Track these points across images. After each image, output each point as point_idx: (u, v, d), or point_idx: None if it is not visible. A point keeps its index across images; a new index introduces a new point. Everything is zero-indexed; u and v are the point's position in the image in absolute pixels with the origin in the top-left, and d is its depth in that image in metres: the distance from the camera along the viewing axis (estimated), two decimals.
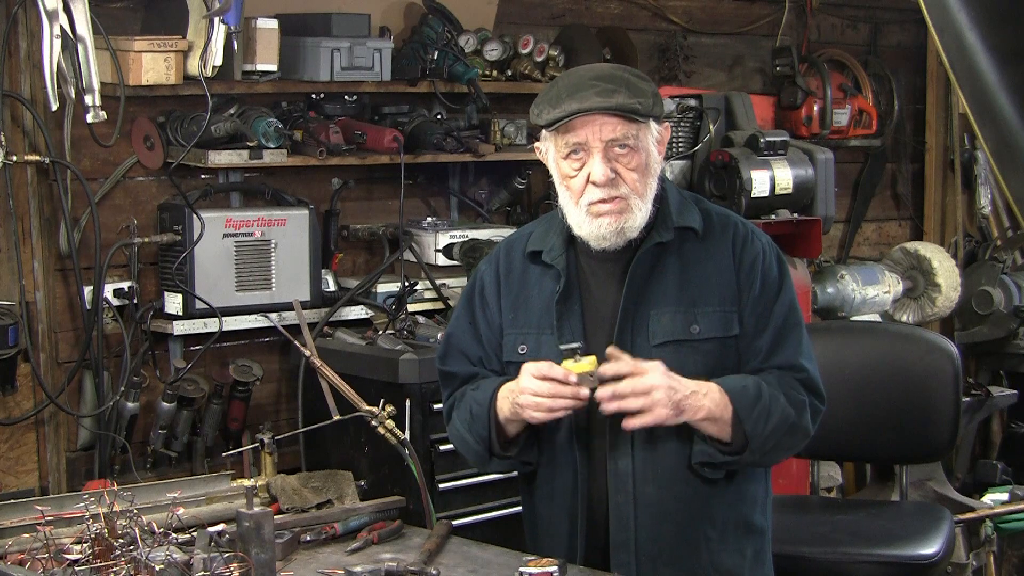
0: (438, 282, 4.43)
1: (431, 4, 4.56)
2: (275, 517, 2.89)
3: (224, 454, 3.79)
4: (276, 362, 4.32)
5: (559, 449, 2.79)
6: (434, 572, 2.78)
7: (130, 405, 3.90)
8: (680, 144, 4.91)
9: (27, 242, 3.81)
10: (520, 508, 2.99)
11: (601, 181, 2.66)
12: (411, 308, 4.31)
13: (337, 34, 4.22)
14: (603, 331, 2.74)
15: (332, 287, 4.32)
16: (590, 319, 2.76)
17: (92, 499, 2.65)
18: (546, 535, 2.86)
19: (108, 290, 3.91)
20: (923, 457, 4.17)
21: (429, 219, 4.64)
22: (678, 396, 2.60)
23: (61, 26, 3.49)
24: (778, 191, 4.82)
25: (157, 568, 2.50)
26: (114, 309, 3.93)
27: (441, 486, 3.87)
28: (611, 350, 2.63)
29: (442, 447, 3.82)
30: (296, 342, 3.70)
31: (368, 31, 4.36)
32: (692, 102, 4.93)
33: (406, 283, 4.28)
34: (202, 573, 2.55)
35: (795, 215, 4.88)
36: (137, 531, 2.58)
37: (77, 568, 2.53)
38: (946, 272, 5.78)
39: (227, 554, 2.64)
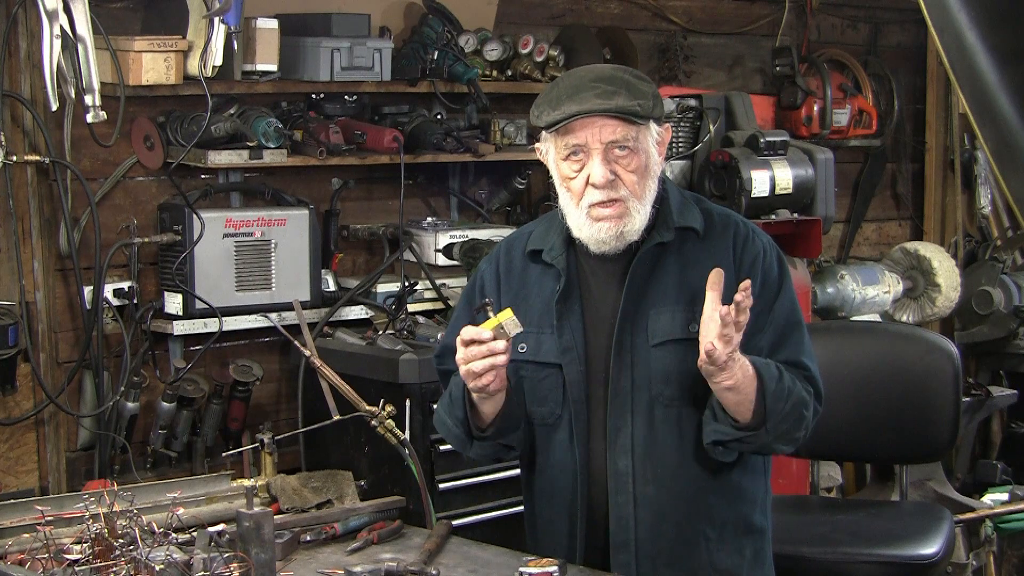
0: (438, 282, 4.43)
1: (431, 4, 4.56)
2: (275, 517, 2.89)
3: (224, 454, 3.79)
4: (276, 362, 4.32)
5: (559, 449, 2.78)
6: (434, 572, 2.78)
7: (130, 405, 3.90)
8: (680, 144, 4.91)
9: (27, 242, 3.81)
10: (520, 508, 2.99)
11: (600, 183, 2.66)
12: (411, 308, 4.31)
13: (337, 34, 4.22)
14: (603, 331, 2.74)
15: (332, 287, 4.32)
16: (590, 319, 2.76)
17: (92, 499, 2.65)
18: (546, 535, 2.86)
19: (108, 290, 3.91)
20: (923, 457, 4.17)
21: (429, 219, 4.64)
22: (735, 355, 2.56)
23: (61, 26, 3.49)
24: (778, 191, 4.82)
25: (157, 568, 2.50)
26: (114, 309, 3.93)
27: (441, 486, 3.88)
28: (714, 274, 2.58)
29: (442, 447, 3.83)
30: (296, 342, 3.70)
31: (368, 31, 4.36)
32: (692, 102, 4.93)
33: (406, 283, 4.28)
34: (202, 573, 2.55)
35: (795, 215, 4.88)
36: (137, 531, 2.57)
37: (77, 568, 2.52)
38: (946, 272, 5.78)
39: (227, 554, 2.64)
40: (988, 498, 5.23)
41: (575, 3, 5.20)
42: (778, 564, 2.92)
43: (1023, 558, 5.25)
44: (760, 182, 4.77)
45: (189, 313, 3.96)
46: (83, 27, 3.52)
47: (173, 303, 3.98)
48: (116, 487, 2.77)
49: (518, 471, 2.97)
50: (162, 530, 2.64)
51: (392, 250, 4.44)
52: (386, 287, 4.35)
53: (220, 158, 3.98)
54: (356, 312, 4.31)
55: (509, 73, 4.71)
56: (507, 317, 2.58)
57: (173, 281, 3.94)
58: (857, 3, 6.18)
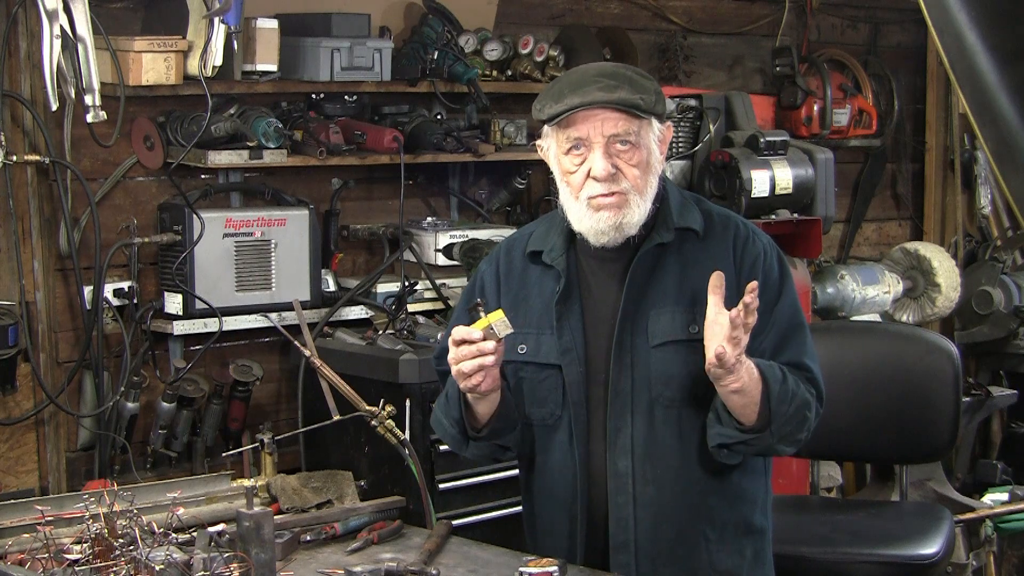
0: (438, 282, 4.43)
1: (431, 4, 4.56)
2: (275, 517, 2.89)
3: (224, 454, 3.79)
4: (276, 362, 4.32)
5: (558, 450, 2.78)
6: (434, 572, 2.78)
7: (130, 405, 3.90)
8: (680, 144, 4.91)
9: (27, 242, 3.81)
10: (520, 508, 2.98)
11: (602, 176, 2.66)
12: (411, 308, 4.31)
13: (337, 34, 4.22)
14: (603, 332, 2.74)
15: (332, 287, 4.32)
16: (590, 319, 2.76)
17: (92, 499, 2.65)
18: (546, 535, 2.86)
19: (108, 290, 3.91)
20: (923, 457, 4.17)
21: (429, 219, 4.64)
22: (742, 358, 2.57)
23: (61, 26, 3.49)
24: (778, 191, 4.82)
25: (157, 568, 2.49)
26: (114, 309, 3.93)
27: (441, 486, 3.88)
28: (715, 277, 2.59)
29: (442, 447, 3.82)
30: (296, 342, 3.70)
31: (368, 31, 4.36)
32: (692, 102, 4.93)
33: (406, 283, 4.28)
34: (202, 573, 2.55)
35: (795, 215, 4.88)
36: (137, 531, 2.57)
37: (77, 568, 2.52)
38: (946, 272, 5.78)
39: (227, 554, 2.64)
40: (988, 498, 5.22)
41: (575, 3, 5.20)
42: (778, 564, 2.92)
43: (1023, 558, 5.25)
44: (760, 182, 4.77)
45: (189, 313, 3.96)
46: (83, 27, 3.52)
47: (173, 303, 3.98)
48: (116, 487, 2.77)
49: (518, 471, 2.97)
50: (162, 530, 2.64)
51: (392, 250, 4.44)
52: (386, 287, 4.35)
53: (220, 158, 3.98)
54: (356, 312, 4.31)
55: (509, 73, 4.71)
56: (498, 318, 2.58)
57: (173, 281, 3.94)
58: (857, 3, 6.18)
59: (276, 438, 3.58)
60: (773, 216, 4.82)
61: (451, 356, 2.61)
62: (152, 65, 3.81)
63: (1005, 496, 5.23)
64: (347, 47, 4.22)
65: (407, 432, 3.67)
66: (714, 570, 2.76)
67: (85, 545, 2.60)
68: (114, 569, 2.51)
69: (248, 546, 2.63)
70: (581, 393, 2.75)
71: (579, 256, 2.79)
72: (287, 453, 3.98)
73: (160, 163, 4.02)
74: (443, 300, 4.42)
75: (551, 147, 2.75)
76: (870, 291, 5.55)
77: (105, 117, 3.60)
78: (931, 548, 3.58)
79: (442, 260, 4.45)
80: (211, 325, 3.97)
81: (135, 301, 3.95)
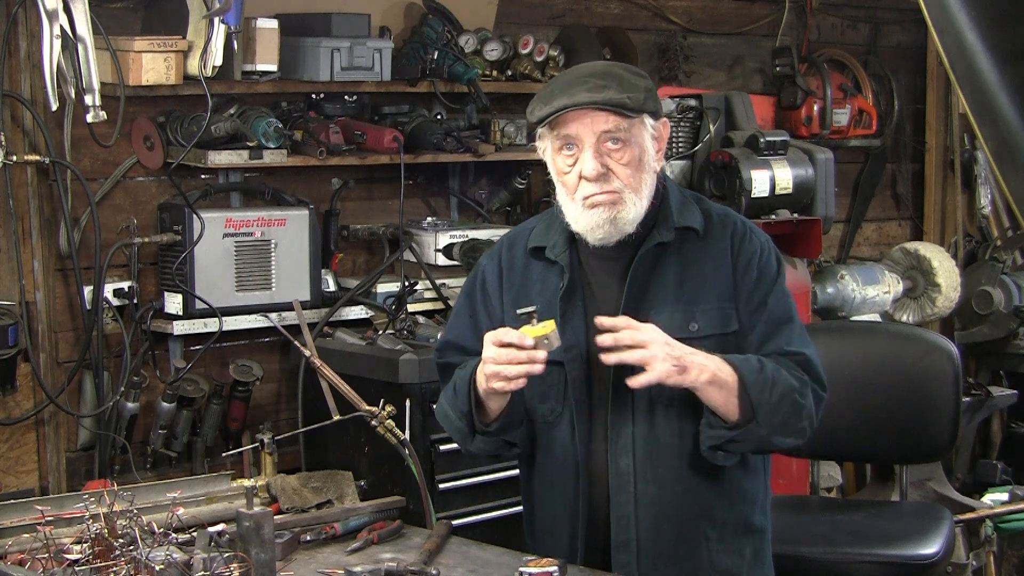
0: (438, 282, 4.43)
1: (431, 4, 4.56)
2: (275, 517, 2.89)
3: (224, 454, 3.79)
4: (276, 362, 4.32)
5: (560, 447, 2.79)
6: (434, 572, 2.78)
7: (130, 405, 3.90)
8: (680, 144, 4.91)
9: (27, 242, 3.81)
10: (520, 508, 2.98)
11: (592, 175, 2.67)
12: (411, 308, 4.31)
13: (337, 34, 4.22)
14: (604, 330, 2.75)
15: (332, 287, 4.32)
16: (592, 318, 2.76)
17: (92, 499, 2.65)
18: (546, 534, 2.86)
19: (108, 290, 3.91)
20: (923, 457, 4.17)
21: (429, 219, 4.64)
22: (677, 352, 2.58)
23: (61, 26, 3.49)
24: (778, 191, 4.82)
25: (157, 568, 2.50)
26: (114, 309, 3.93)
27: (441, 486, 3.87)
28: (599, 321, 2.61)
29: (442, 447, 3.82)
30: (296, 342, 3.70)
31: (368, 31, 4.36)
32: (692, 102, 4.93)
33: (406, 283, 4.28)
34: (202, 573, 2.55)
35: (795, 215, 4.88)
36: (137, 531, 2.57)
37: (77, 568, 2.52)
38: (946, 272, 5.78)
39: (227, 554, 2.64)
40: (988, 498, 5.22)
41: (575, 3, 5.20)
42: (778, 564, 2.92)
43: (1023, 558, 5.25)
44: (760, 182, 4.77)
45: (189, 313, 3.96)
46: (83, 27, 3.52)
47: (173, 303, 3.98)
48: (116, 487, 2.77)
49: (518, 471, 2.97)
50: (162, 530, 2.64)
51: (392, 250, 4.44)
52: (386, 287, 4.35)
53: (220, 158, 3.98)
54: (356, 312, 4.31)
55: (509, 73, 4.71)
56: (551, 329, 2.59)
57: (173, 281, 3.94)
58: (857, 3, 6.18)
59: (276, 438, 3.58)
60: (773, 216, 4.82)
61: (490, 355, 2.61)
62: (152, 65, 3.81)
63: (1005, 496, 5.23)
64: (347, 47, 4.22)
65: (407, 432, 3.67)
66: (714, 569, 2.76)
67: (85, 545, 2.60)
68: (114, 569, 2.51)
69: (248, 546, 2.63)
70: (583, 390, 2.75)
71: (581, 254, 2.80)
72: (287, 453, 3.98)
73: (160, 163, 4.02)
74: (443, 300, 4.42)
75: (546, 148, 2.76)
76: (870, 291, 5.55)
77: (105, 117, 3.60)
78: (931, 548, 3.58)
79: (442, 260, 4.45)
80: (211, 325, 3.97)
81: (135, 301, 3.95)
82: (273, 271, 4.12)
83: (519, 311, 2.65)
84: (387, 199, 4.59)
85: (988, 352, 6.19)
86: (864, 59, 6.07)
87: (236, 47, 3.82)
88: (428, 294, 4.44)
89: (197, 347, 4.03)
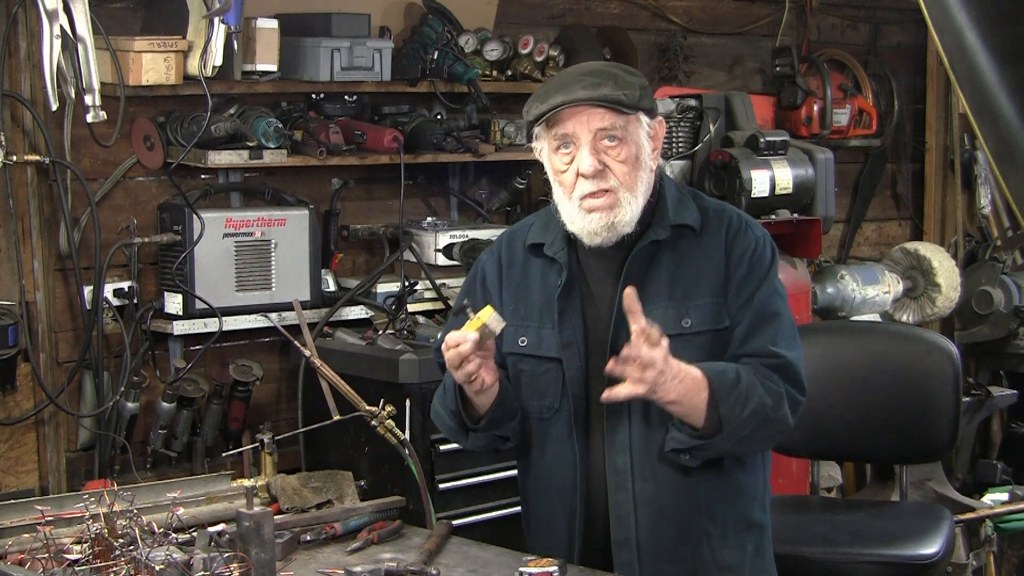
0: (438, 282, 4.43)
1: (431, 4, 4.56)
2: (275, 517, 2.89)
3: (224, 454, 3.79)
4: (276, 362, 4.32)
5: (557, 445, 2.79)
6: (434, 572, 2.78)
7: (130, 405, 3.90)
8: (680, 144, 4.91)
9: (27, 242, 3.81)
10: (520, 508, 2.99)
11: (589, 172, 2.67)
12: (411, 308, 4.31)
13: (337, 34, 4.22)
14: (601, 327, 2.76)
15: (332, 287, 4.32)
16: (589, 314, 2.77)
17: (92, 499, 2.65)
18: (543, 531, 2.87)
19: (108, 290, 3.91)
20: (923, 457, 4.17)
21: (429, 219, 4.64)
22: (661, 380, 2.57)
23: (61, 26, 3.49)
24: (778, 191, 4.82)
25: (157, 568, 2.50)
26: (114, 309, 3.93)
27: (441, 486, 3.87)
28: (628, 295, 2.57)
29: (442, 447, 3.82)
30: (296, 342, 3.70)
31: (368, 31, 4.36)
32: (692, 102, 4.93)
33: (406, 283, 4.28)
34: (202, 573, 2.55)
35: (795, 215, 4.88)
36: (137, 531, 2.58)
37: (77, 568, 2.52)
38: (946, 272, 5.78)
39: (227, 554, 2.64)
40: (988, 498, 5.22)
41: (575, 3, 5.20)
42: (778, 564, 2.92)
43: (1023, 558, 5.25)
44: (760, 182, 4.77)
45: (189, 313, 3.96)
46: (83, 27, 3.52)
47: (173, 303, 3.97)
48: (116, 487, 2.77)
49: (516, 470, 2.97)
50: (162, 530, 2.64)
51: (392, 250, 4.44)
52: (386, 287, 4.35)
53: (220, 158, 3.98)
54: (356, 312, 4.31)
55: (509, 73, 4.71)
56: (489, 315, 2.60)
57: (173, 281, 3.94)
58: (857, 3, 6.18)
59: (276, 438, 3.58)
60: (773, 216, 4.83)
61: (447, 358, 2.63)
62: (152, 65, 3.81)
63: (1005, 496, 5.23)
64: (347, 47, 4.22)
65: (407, 432, 3.67)
66: (717, 566, 2.77)
67: (85, 545, 2.60)
68: (114, 569, 2.51)
69: (248, 546, 2.63)
70: (580, 387, 2.76)
71: (579, 251, 2.81)
72: (287, 453, 3.98)
73: (160, 163, 4.02)
74: (443, 300, 4.42)
75: (543, 148, 2.77)
76: (870, 291, 5.55)
77: (105, 117, 3.60)
78: (931, 548, 3.58)
79: (442, 260, 4.45)
80: (211, 325, 3.97)
81: (135, 301, 3.95)
82: (273, 271, 4.12)
83: (453, 314, 2.67)
84: (387, 199, 4.59)
85: (988, 352, 6.19)
86: (864, 59, 6.07)
87: (236, 47, 3.82)
88: (428, 294, 4.44)
89: (197, 347, 4.02)
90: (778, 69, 5.67)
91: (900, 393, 3.93)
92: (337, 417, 3.54)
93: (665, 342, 2.57)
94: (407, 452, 3.43)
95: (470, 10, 4.69)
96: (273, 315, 4.07)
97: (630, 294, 2.57)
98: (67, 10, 3.50)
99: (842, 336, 4.19)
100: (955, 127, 6.31)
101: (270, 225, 4.12)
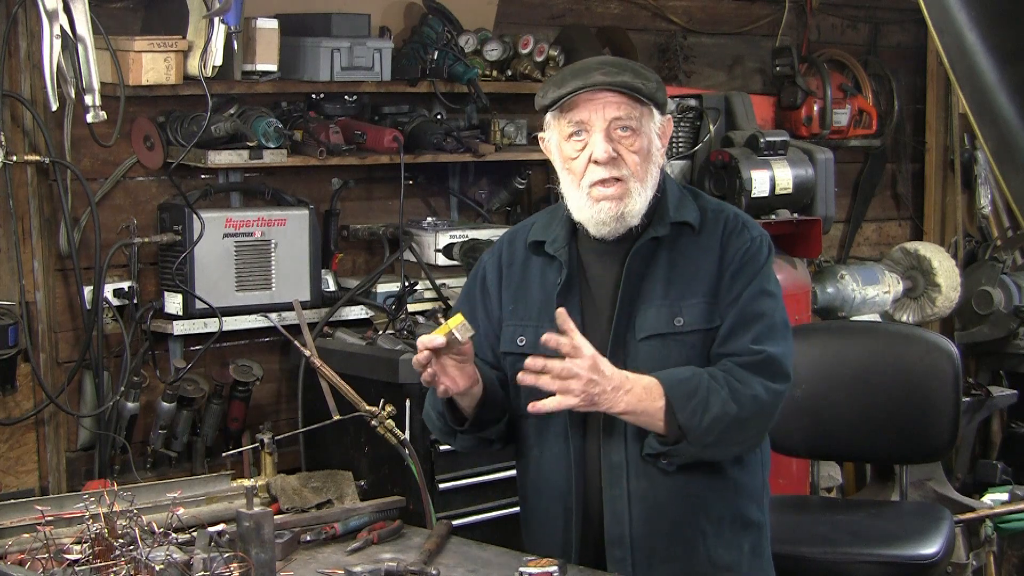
0: (438, 282, 4.43)
1: (431, 4, 4.56)
2: (275, 517, 2.89)
3: (224, 454, 3.79)
4: (276, 362, 4.33)
5: (554, 441, 2.79)
6: (434, 572, 2.78)
7: (130, 405, 3.90)
8: (680, 144, 4.91)
9: (27, 242, 3.81)
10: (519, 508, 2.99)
11: (603, 159, 2.67)
12: (411, 308, 4.31)
13: (337, 34, 4.22)
14: (600, 325, 2.76)
15: (332, 287, 4.32)
16: (588, 312, 2.77)
17: (92, 499, 2.65)
18: (541, 528, 2.87)
19: (108, 290, 3.91)
20: (923, 457, 4.17)
21: (429, 219, 4.64)
22: (596, 390, 2.58)
23: (61, 26, 3.49)
24: (778, 191, 4.82)
25: (157, 568, 2.49)
26: (114, 309, 3.93)
27: (441, 486, 3.88)
28: (560, 315, 2.61)
29: (442, 447, 3.83)
30: (296, 342, 3.70)
31: (368, 31, 4.36)
32: (692, 102, 4.93)
33: (406, 283, 4.28)
34: (202, 573, 2.55)
35: (795, 215, 4.88)
36: (137, 531, 2.57)
37: (77, 568, 2.52)
38: (946, 272, 5.78)
39: (227, 554, 2.64)
40: (988, 498, 5.22)
41: (575, 3, 5.20)
42: (778, 564, 2.92)
43: (1023, 558, 5.25)
44: (760, 182, 4.77)
45: (189, 313, 3.96)
46: (83, 27, 3.52)
47: (173, 303, 3.98)
48: (116, 487, 2.77)
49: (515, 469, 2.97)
50: (162, 530, 2.64)
51: (392, 250, 4.44)
52: (386, 287, 4.35)
53: (220, 158, 3.98)
54: (356, 312, 4.31)
55: (509, 73, 4.71)
56: (458, 323, 2.62)
57: (173, 281, 3.94)
58: (857, 3, 6.18)
59: (276, 438, 3.58)
60: (773, 216, 4.83)
61: (413, 360, 2.66)
62: (152, 65, 3.81)
63: (1005, 496, 5.23)
64: (347, 47, 4.22)
65: (407, 432, 3.67)
66: (712, 564, 2.76)
67: (85, 545, 2.59)
68: (114, 569, 2.51)
69: (248, 546, 2.63)
70: None
71: (580, 248, 2.81)
72: (287, 453, 3.98)
73: (160, 163, 4.02)
74: (443, 300, 4.42)
75: (553, 136, 2.77)
76: (870, 291, 5.55)
77: (105, 117, 3.61)
78: (931, 548, 3.58)
79: (442, 260, 4.45)
80: (211, 325, 3.97)
81: (135, 301, 3.95)
82: (273, 271, 4.12)
83: (427, 320, 2.69)
84: (387, 199, 4.59)
85: (988, 352, 6.19)
86: (864, 59, 6.07)
87: (236, 47, 3.82)
88: (428, 294, 4.44)
89: (197, 347, 4.03)
90: (778, 69, 5.67)
91: (900, 393, 3.93)
92: (337, 417, 3.54)
93: (590, 354, 2.58)
94: (407, 452, 3.43)
95: (470, 10, 4.69)
96: (273, 315, 4.08)
97: (562, 313, 2.60)
98: (67, 10, 3.50)
99: (842, 336, 4.18)
100: (955, 127, 6.31)
101: (270, 225, 4.12)
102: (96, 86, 3.56)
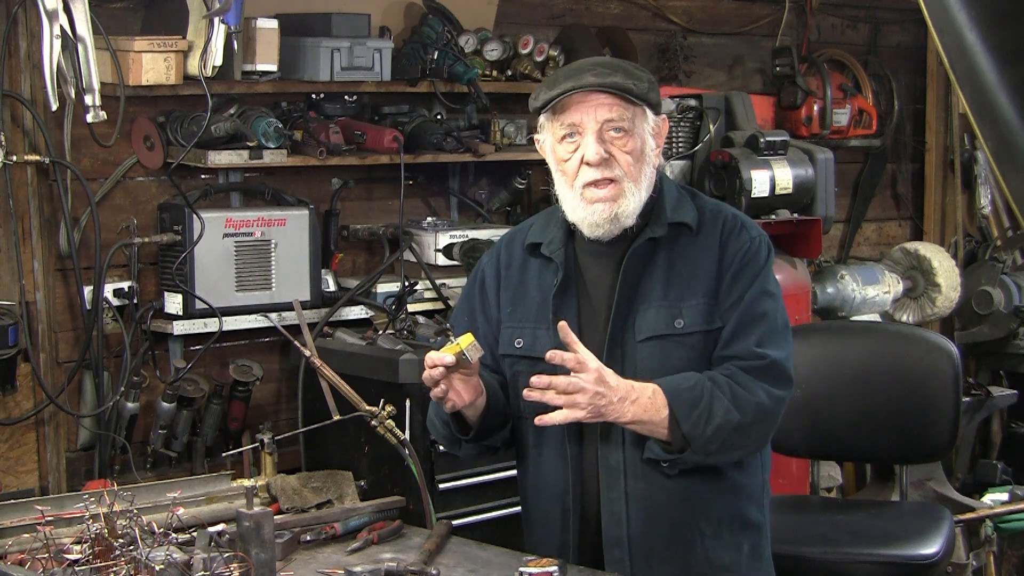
0: (438, 282, 4.43)
1: (431, 4, 4.56)
2: (275, 517, 2.89)
3: (224, 454, 3.79)
4: (276, 362, 4.33)
5: (552, 443, 2.79)
6: (434, 572, 2.78)
7: (130, 405, 3.90)
8: (680, 144, 4.91)
9: (27, 242, 3.81)
10: (520, 508, 2.99)
11: (594, 160, 2.68)
12: (411, 308, 4.31)
13: (337, 34, 4.22)
14: (597, 326, 2.76)
15: (332, 287, 4.32)
16: (585, 313, 2.77)
17: (92, 499, 2.65)
18: (540, 529, 2.87)
19: (108, 290, 3.91)
20: (923, 457, 4.17)
21: (429, 219, 4.64)
22: (602, 402, 2.60)
23: (61, 26, 3.49)
24: (778, 191, 4.82)
25: (157, 568, 2.49)
26: (114, 309, 3.93)
27: (441, 486, 3.88)
28: (562, 328, 2.61)
29: (442, 447, 3.82)
30: (296, 342, 3.70)
31: (368, 31, 4.36)
32: (692, 102, 4.93)
33: (406, 283, 4.28)
34: (202, 573, 2.55)
35: (795, 215, 4.88)
36: (137, 531, 2.57)
37: (77, 568, 2.52)
38: (946, 272, 5.78)
39: (227, 554, 2.64)
40: (988, 498, 5.22)
41: (575, 3, 5.20)
42: (778, 564, 2.92)
43: (1023, 558, 5.25)
44: (760, 182, 4.77)
45: (189, 313, 3.96)
46: (83, 27, 3.52)
47: (173, 303, 3.98)
48: (116, 487, 2.77)
49: (516, 469, 2.97)
50: (162, 530, 2.64)
51: (392, 250, 4.44)
52: (386, 287, 4.35)
53: (220, 158, 3.98)
54: (356, 312, 4.31)
55: (509, 73, 4.71)
56: (468, 343, 2.62)
57: (173, 281, 3.94)
58: (857, 3, 6.18)
59: (276, 438, 3.58)
60: (773, 216, 4.83)
61: (424, 376, 2.66)
62: (152, 65, 3.81)
63: (1005, 496, 5.23)
64: (347, 47, 4.22)
65: (407, 432, 3.67)
66: (711, 565, 2.76)
67: (85, 545, 2.59)
68: (114, 569, 2.51)
69: (248, 546, 2.63)
70: None
71: (577, 250, 2.80)
72: (287, 453, 3.98)
73: (160, 163, 4.02)
74: (443, 300, 4.42)
75: (547, 138, 2.77)
76: (870, 291, 5.55)
77: (105, 117, 3.61)
78: (931, 548, 3.58)
79: (442, 260, 4.45)
80: (211, 325, 3.97)
81: (135, 301, 3.95)
82: (273, 271, 4.12)
83: (436, 333, 2.69)
84: (387, 199, 4.59)
85: (988, 352, 6.19)
86: (864, 59, 6.07)
87: (236, 47, 3.82)
88: (428, 294, 4.44)
89: (197, 347, 4.03)
90: (778, 69, 5.67)
91: (900, 393, 3.93)
92: (337, 417, 3.54)
93: (595, 367, 2.58)
94: (407, 452, 3.43)
95: (470, 10, 4.69)
96: (273, 315, 4.08)
97: (564, 327, 2.61)
98: (67, 10, 3.50)
99: (842, 336, 4.19)
100: (955, 127, 6.31)
101: (270, 225, 4.12)
102: (96, 86, 3.56)
